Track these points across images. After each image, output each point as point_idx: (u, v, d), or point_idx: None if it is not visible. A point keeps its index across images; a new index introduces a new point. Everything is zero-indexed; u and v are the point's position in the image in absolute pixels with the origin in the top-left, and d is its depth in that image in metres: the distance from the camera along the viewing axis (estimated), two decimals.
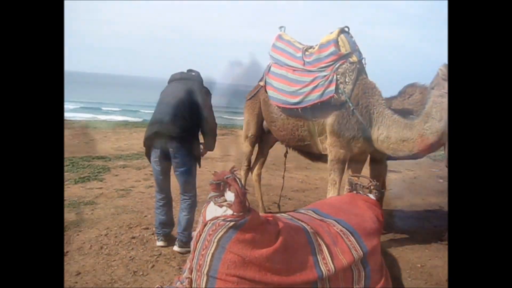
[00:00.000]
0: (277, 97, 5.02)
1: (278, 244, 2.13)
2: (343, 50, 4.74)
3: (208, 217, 2.09)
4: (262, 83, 5.32)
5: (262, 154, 6.17)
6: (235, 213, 2.01)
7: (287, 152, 5.90)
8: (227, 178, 2.12)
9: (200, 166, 4.56)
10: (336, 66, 4.68)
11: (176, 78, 4.61)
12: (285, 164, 6.24)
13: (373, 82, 4.75)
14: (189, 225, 4.47)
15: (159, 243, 4.60)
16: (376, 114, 4.56)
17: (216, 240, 2.02)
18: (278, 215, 2.46)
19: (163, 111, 4.36)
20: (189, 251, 4.57)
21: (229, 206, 2.05)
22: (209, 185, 2.20)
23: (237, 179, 2.06)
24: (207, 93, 4.52)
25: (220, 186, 2.17)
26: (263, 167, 6.33)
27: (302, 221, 2.48)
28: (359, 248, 2.48)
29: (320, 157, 5.48)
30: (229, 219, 2.01)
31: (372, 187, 2.77)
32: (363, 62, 4.85)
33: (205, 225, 2.07)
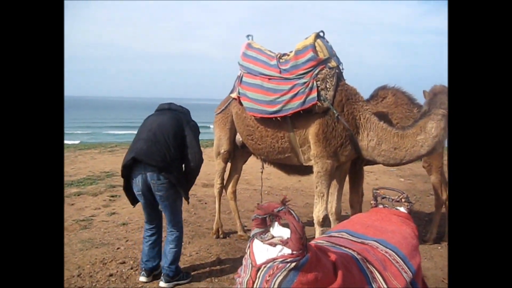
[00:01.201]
0: (253, 107, 4.67)
1: (339, 280, 1.81)
2: (321, 55, 4.49)
3: (259, 260, 1.72)
4: (234, 95, 4.93)
5: (236, 171, 5.77)
6: (294, 252, 1.65)
7: (263, 167, 5.54)
8: (278, 211, 1.77)
9: (188, 202, 4.13)
10: (316, 72, 4.43)
11: (164, 108, 4.21)
12: (262, 180, 5.90)
13: (354, 87, 4.55)
14: (176, 259, 4.01)
15: (142, 279, 4.07)
16: (363, 120, 4.36)
17: (275, 286, 1.66)
18: (316, 242, 2.15)
19: (146, 137, 3.87)
20: (177, 285, 4.17)
21: (284, 243, 1.70)
22: (251, 220, 1.84)
23: (292, 212, 1.73)
24: (196, 127, 4.12)
25: (265, 221, 1.81)
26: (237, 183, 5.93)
27: (345, 247, 2.18)
28: (407, 269, 2.22)
29: (298, 170, 5.21)
30: (288, 259, 1.66)
31: (403, 200, 2.52)
32: (341, 67, 4.65)
33: (258, 270, 1.71)
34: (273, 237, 1.76)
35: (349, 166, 4.92)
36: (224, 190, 5.73)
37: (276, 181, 9.02)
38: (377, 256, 2.12)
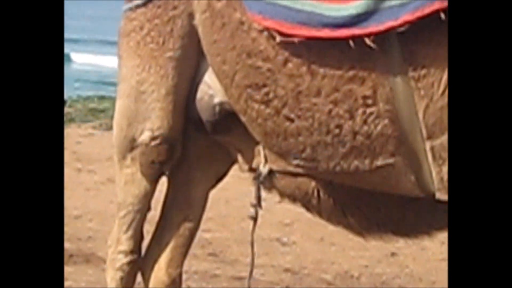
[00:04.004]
0: (276, 2, 2.99)
1: None
2: None
3: None
4: None
5: (186, 210, 3.43)
6: None
7: (259, 205, 3.35)
8: None
9: None
10: None
11: None
12: (252, 244, 3.45)
13: None
14: None
15: None
16: None
17: None
18: None
19: None
20: None
21: None
22: None
23: None
24: None
25: None
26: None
27: None
28: None
29: (399, 222, 3.24)
30: None
31: None
32: None
33: None
34: None
35: None
36: (141, 276, 3.42)
37: (309, 249, 6.33)
38: None
